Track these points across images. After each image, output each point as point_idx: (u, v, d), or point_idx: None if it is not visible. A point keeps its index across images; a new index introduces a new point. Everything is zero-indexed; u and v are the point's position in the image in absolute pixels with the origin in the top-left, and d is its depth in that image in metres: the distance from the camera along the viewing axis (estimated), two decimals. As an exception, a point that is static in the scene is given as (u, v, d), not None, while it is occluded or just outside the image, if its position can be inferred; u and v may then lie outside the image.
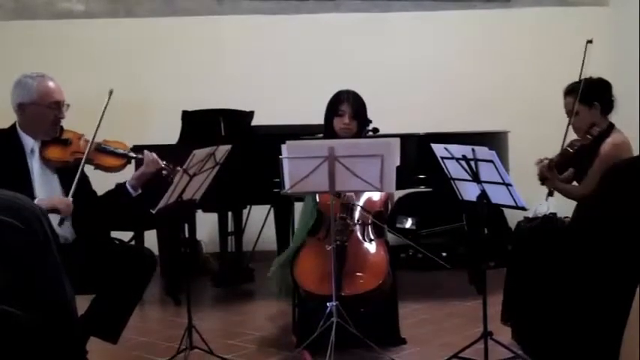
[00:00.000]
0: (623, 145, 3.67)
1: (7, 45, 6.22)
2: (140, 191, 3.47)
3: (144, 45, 6.36)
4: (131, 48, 6.33)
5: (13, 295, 1.93)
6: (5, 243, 1.90)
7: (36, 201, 3.22)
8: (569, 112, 3.77)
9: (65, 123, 3.47)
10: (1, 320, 1.89)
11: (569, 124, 3.77)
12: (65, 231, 3.33)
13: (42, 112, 3.36)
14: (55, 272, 2.05)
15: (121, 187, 3.49)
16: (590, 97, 3.73)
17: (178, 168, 3.42)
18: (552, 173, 3.73)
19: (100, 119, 3.41)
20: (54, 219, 3.23)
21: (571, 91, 3.78)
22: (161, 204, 3.39)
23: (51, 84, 3.40)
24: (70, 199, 3.31)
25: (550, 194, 3.76)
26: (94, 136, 3.41)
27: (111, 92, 3.42)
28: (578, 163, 3.78)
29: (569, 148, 3.79)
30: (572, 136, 3.83)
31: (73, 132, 3.48)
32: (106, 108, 3.41)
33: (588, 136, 3.72)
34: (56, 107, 3.39)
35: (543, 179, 3.76)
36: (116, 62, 6.24)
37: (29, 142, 3.38)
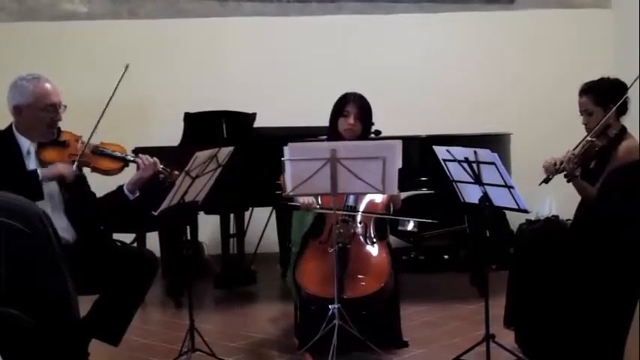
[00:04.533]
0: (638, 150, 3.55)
1: (10, 46, 6.23)
2: (138, 194, 3.44)
3: (146, 46, 6.36)
4: (134, 49, 6.33)
5: (16, 297, 1.93)
6: (9, 246, 1.90)
7: (41, 171, 3.23)
8: (584, 112, 3.66)
9: (67, 124, 3.43)
10: (4, 322, 1.89)
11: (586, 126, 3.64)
12: (66, 232, 3.32)
13: (38, 114, 3.31)
14: (57, 274, 2.05)
15: (119, 190, 3.47)
16: (606, 98, 3.60)
17: (176, 172, 3.40)
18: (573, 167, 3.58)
19: (97, 123, 3.36)
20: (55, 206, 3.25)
21: (586, 90, 3.66)
22: (163, 206, 3.38)
23: (47, 86, 3.34)
24: (72, 166, 3.30)
25: (546, 181, 3.60)
26: (89, 139, 3.36)
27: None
28: (586, 163, 3.68)
29: (593, 146, 3.61)
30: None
31: (71, 133, 3.44)
32: (104, 112, 3.33)
33: (603, 137, 3.59)
34: (52, 109, 3.33)
35: (570, 175, 3.57)
36: (118, 63, 6.23)
37: (25, 144, 3.35)
